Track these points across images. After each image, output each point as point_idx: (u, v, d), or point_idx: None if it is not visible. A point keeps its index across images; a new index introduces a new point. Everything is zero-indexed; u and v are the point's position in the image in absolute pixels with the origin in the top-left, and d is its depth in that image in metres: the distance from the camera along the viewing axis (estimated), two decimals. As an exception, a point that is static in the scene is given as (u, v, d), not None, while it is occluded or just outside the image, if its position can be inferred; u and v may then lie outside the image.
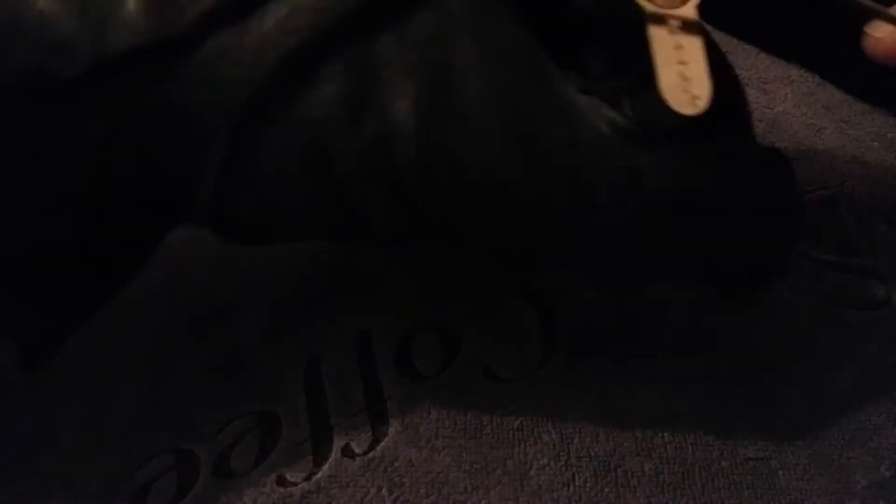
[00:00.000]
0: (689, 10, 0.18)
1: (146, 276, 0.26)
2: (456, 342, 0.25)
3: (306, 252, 0.27)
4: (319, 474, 0.22)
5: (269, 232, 0.20)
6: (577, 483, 0.22)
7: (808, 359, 0.25)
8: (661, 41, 0.17)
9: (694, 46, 0.17)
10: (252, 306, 0.26)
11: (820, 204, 0.30)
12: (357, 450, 0.23)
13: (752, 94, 0.34)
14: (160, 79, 0.16)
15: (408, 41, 0.16)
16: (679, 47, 0.17)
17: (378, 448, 0.23)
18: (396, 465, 0.22)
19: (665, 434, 0.23)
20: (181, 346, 0.25)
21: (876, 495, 0.22)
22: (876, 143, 0.33)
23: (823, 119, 0.34)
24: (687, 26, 0.18)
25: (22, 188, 0.17)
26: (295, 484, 0.22)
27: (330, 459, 0.22)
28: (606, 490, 0.22)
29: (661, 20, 0.17)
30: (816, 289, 0.27)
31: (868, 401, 0.24)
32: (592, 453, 0.23)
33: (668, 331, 0.26)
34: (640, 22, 0.17)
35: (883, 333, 0.26)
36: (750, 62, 0.36)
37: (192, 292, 0.26)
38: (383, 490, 0.22)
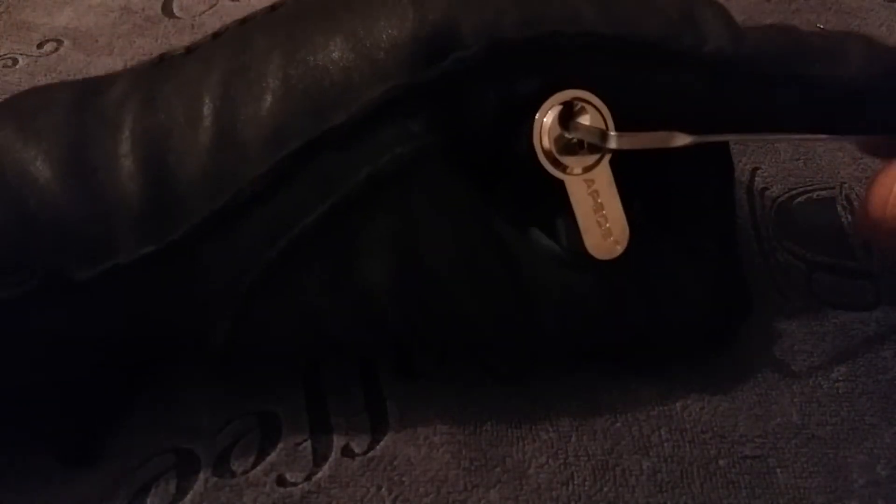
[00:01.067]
0: (603, 171, 0.20)
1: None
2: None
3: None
4: (319, 474, 0.22)
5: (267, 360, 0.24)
6: (575, 481, 0.22)
7: (799, 359, 0.25)
8: (578, 198, 0.20)
9: (610, 197, 0.20)
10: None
11: (818, 204, 0.31)
12: (357, 450, 0.23)
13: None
14: (162, 275, 0.18)
15: (377, 226, 0.19)
16: (596, 200, 0.20)
17: (378, 448, 0.23)
18: (396, 464, 0.22)
19: (663, 432, 0.23)
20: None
21: (874, 494, 0.22)
22: (874, 143, 0.33)
23: (822, 119, 0.34)
24: (601, 181, 0.20)
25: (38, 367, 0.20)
26: (295, 484, 0.22)
27: (330, 459, 0.23)
28: (605, 488, 0.22)
29: (576, 181, 0.19)
30: (810, 290, 0.27)
31: (861, 401, 0.24)
32: (591, 452, 0.23)
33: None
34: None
35: (873, 334, 0.26)
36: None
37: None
38: (383, 489, 0.22)
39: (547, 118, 0.19)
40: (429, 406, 0.24)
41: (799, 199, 0.31)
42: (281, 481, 0.22)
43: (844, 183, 0.31)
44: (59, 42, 0.38)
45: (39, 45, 0.38)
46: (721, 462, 0.23)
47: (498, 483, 0.22)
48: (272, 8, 0.20)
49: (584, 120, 0.19)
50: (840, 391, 0.24)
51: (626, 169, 0.20)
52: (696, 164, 0.22)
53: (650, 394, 0.24)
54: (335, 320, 0.20)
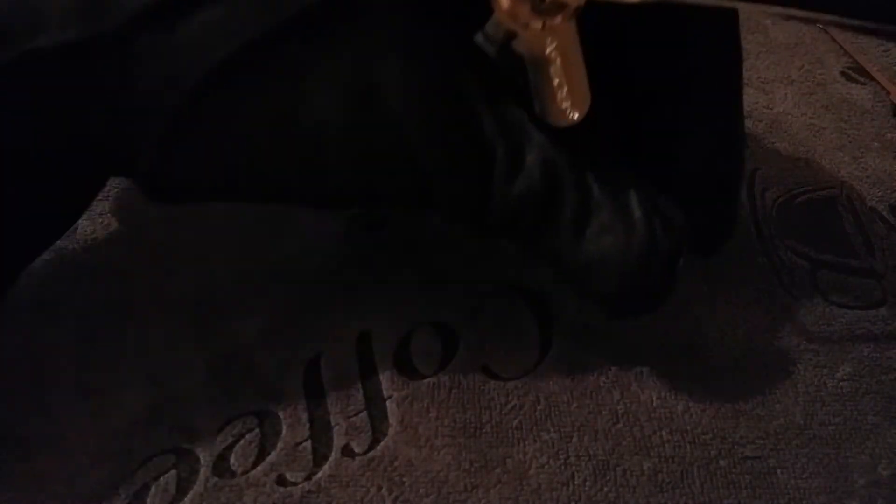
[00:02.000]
0: (566, 31, 0.18)
1: (147, 276, 0.26)
2: (454, 341, 0.25)
3: (306, 253, 0.27)
4: (319, 474, 0.22)
5: (201, 193, 0.21)
6: (576, 482, 0.22)
7: (805, 358, 0.25)
8: (535, 54, 0.18)
9: (570, 57, 0.19)
10: (252, 306, 0.26)
11: (819, 204, 0.30)
12: (357, 449, 0.23)
13: (752, 94, 0.34)
14: (91, 68, 0.17)
15: (331, 59, 0.18)
16: (554, 59, 0.18)
17: (378, 448, 0.23)
18: (396, 464, 0.22)
19: (663, 433, 0.23)
20: (181, 347, 0.25)
21: (874, 494, 0.22)
22: (876, 143, 0.33)
23: (823, 119, 0.34)
24: (563, 37, 0.18)
25: None
26: (295, 484, 0.22)
27: (330, 459, 0.23)
28: (605, 489, 0.22)
29: (535, 35, 0.18)
30: (813, 288, 0.27)
31: (865, 400, 0.24)
32: (591, 452, 0.23)
33: (666, 330, 0.26)
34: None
35: (879, 333, 0.26)
36: (750, 62, 0.36)
37: (193, 293, 0.26)
38: (383, 489, 0.22)
39: None
40: (429, 406, 0.24)
41: (800, 198, 0.31)
42: (281, 481, 0.22)
43: (845, 182, 0.31)
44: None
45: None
46: (722, 462, 0.23)
47: (498, 483, 0.22)
48: None
49: None
50: (844, 391, 0.24)
51: (607, 49, 0.19)
52: (691, 58, 0.21)
53: (651, 395, 0.24)
54: (270, 156, 0.19)
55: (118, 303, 0.23)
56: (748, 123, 0.34)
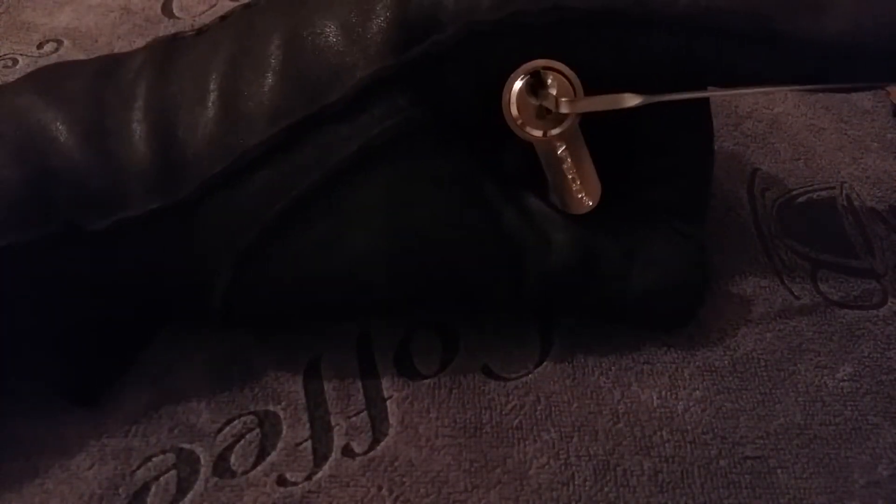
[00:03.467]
0: (572, 132, 0.21)
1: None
2: (455, 341, 0.25)
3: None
4: (319, 474, 0.22)
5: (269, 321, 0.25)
6: (576, 482, 0.22)
7: (806, 358, 0.25)
8: (550, 158, 0.22)
9: (580, 157, 0.22)
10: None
11: (819, 204, 0.30)
12: (357, 450, 0.23)
13: (751, 94, 0.34)
14: (168, 229, 0.20)
15: (367, 193, 0.21)
16: (567, 160, 0.22)
17: (378, 448, 0.23)
18: (396, 464, 0.22)
19: (664, 433, 0.23)
20: (181, 346, 0.25)
21: (874, 494, 0.22)
22: (876, 143, 0.33)
23: (823, 119, 0.34)
24: (571, 143, 0.21)
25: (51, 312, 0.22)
26: (295, 484, 0.22)
27: (330, 459, 0.23)
28: (606, 489, 0.22)
29: (547, 143, 0.21)
30: (814, 289, 0.27)
31: (865, 400, 0.24)
32: (592, 452, 0.23)
33: (666, 330, 0.26)
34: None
35: (880, 333, 0.26)
36: (749, 62, 0.36)
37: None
38: (383, 490, 0.22)
39: (516, 86, 0.21)
40: (430, 406, 0.24)
41: (800, 199, 0.31)
42: (281, 481, 0.22)
43: (845, 182, 0.31)
44: (60, 42, 0.38)
45: (39, 46, 0.38)
46: (722, 462, 0.23)
47: (499, 484, 0.22)
48: None
49: (552, 87, 0.21)
50: (845, 391, 0.24)
51: (603, 130, 0.22)
52: (670, 125, 0.23)
53: (652, 395, 0.24)
54: (327, 284, 0.22)
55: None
56: (748, 123, 0.34)
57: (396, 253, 0.22)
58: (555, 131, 0.21)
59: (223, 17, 0.22)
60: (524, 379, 0.24)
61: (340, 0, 0.21)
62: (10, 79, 0.35)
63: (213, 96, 0.20)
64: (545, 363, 0.25)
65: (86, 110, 0.20)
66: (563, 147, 0.22)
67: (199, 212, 0.20)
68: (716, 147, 0.33)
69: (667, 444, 0.23)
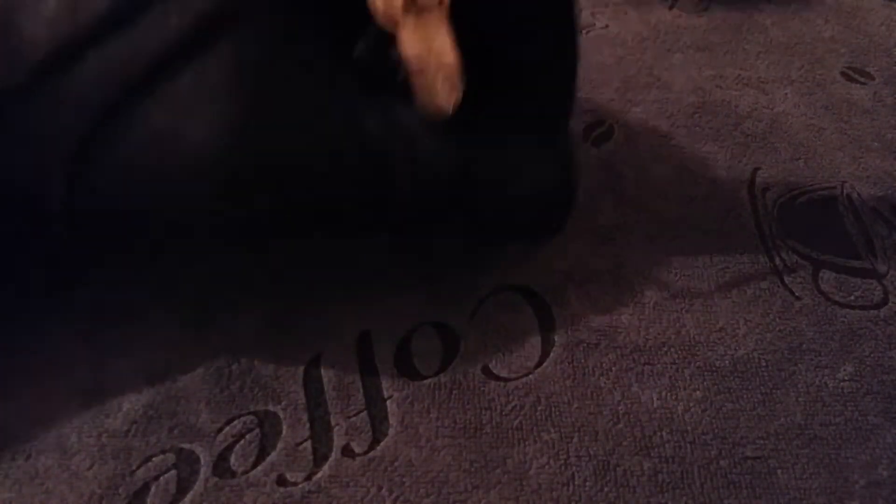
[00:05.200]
0: (437, 20, 0.20)
1: (146, 275, 0.26)
2: (455, 342, 0.25)
3: (306, 252, 0.27)
4: (319, 474, 0.22)
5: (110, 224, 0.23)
6: (576, 482, 0.22)
7: (807, 358, 0.25)
8: (412, 46, 0.20)
9: (442, 46, 0.20)
10: (252, 306, 0.26)
11: (820, 204, 0.30)
12: (357, 450, 0.23)
13: (751, 94, 0.34)
14: (4, 119, 0.19)
15: (211, 72, 0.19)
16: (432, 53, 0.20)
17: (378, 448, 0.23)
18: (396, 464, 0.22)
19: (664, 433, 0.23)
20: (181, 346, 0.25)
21: (874, 494, 0.22)
22: (876, 143, 0.33)
23: (823, 119, 0.34)
24: (433, 25, 0.20)
25: None
26: (295, 484, 0.22)
27: (330, 459, 0.22)
28: (606, 489, 0.22)
29: (410, 28, 0.20)
30: (815, 289, 0.27)
31: (866, 400, 0.24)
32: (592, 452, 0.23)
33: (667, 331, 0.26)
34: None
35: (881, 333, 0.26)
36: (750, 62, 0.36)
37: (193, 292, 0.26)
38: (383, 490, 0.22)
39: None
40: (430, 406, 0.24)
41: (801, 199, 0.31)
42: (281, 481, 0.22)
43: (845, 182, 0.31)
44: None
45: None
46: (722, 463, 0.23)
47: (499, 484, 0.22)
48: None
49: None
50: (845, 391, 0.24)
51: (466, 19, 0.21)
52: (531, 11, 0.23)
53: (652, 396, 0.24)
54: (164, 183, 0.20)
55: (118, 303, 0.23)
56: (748, 123, 0.34)
57: (241, 152, 0.20)
58: (421, 19, 0.20)
59: None
60: (524, 379, 0.24)
61: None
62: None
63: None
64: (545, 364, 0.25)
65: None
66: (427, 45, 0.20)
67: (33, 99, 0.19)
68: (716, 147, 0.33)
69: (667, 445, 0.23)
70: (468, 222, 0.23)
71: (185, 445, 0.23)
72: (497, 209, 0.23)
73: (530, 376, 0.24)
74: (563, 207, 0.25)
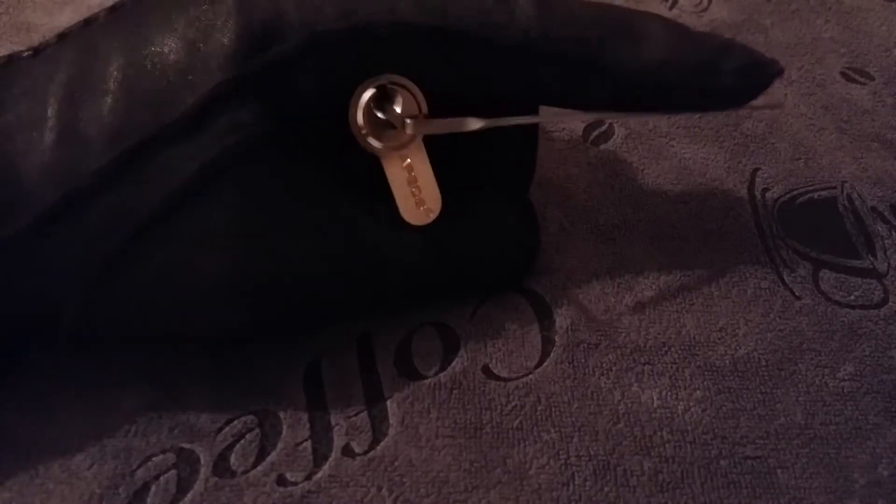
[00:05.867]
0: (416, 148, 0.22)
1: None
2: (455, 341, 0.25)
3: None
4: (319, 474, 0.22)
5: (121, 338, 0.24)
6: (576, 482, 0.22)
7: (807, 358, 0.25)
8: (394, 172, 0.22)
9: (422, 170, 0.22)
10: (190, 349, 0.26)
11: (820, 204, 0.30)
12: (357, 450, 0.23)
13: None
14: (5, 263, 0.20)
15: (212, 216, 0.20)
16: (410, 173, 0.22)
17: (378, 448, 0.23)
18: (396, 464, 0.22)
19: (664, 433, 0.23)
20: (181, 346, 0.25)
21: (874, 494, 0.22)
22: (876, 143, 0.33)
23: (823, 119, 0.34)
24: (414, 156, 0.22)
25: None
26: (295, 484, 0.22)
27: (330, 459, 0.23)
28: (606, 489, 0.22)
29: (391, 157, 0.22)
30: (815, 288, 0.27)
31: (866, 399, 0.24)
32: (592, 452, 0.23)
33: (667, 331, 0.26)
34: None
35: (881, 332, 0.26)
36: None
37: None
38: (383, 490, 0.22)
39: (362, 100, 0.21)
40: (430, 406, 0.24)
41: (801, 198, 0.31)
42: (281, 481, 0.22)
43: (845, 182, 0.31)
44: (60, 42, 0.38)
45: (40, 46, 0.38)
46: (722, 462, 0.23)
47: (499, 484, 0.22)
48: (113, 9, 0.22)
49: (399, 103, 0.21)
50: (846, 390, 0.24)
51: (442, 140, 0.22)
52: (502, 136, 0.23)
53: (652, 395, 0.24)
54: (177, 308, 0.21)
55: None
56: (748, 123, 0.34)
57: (250, 277, 0.21)
58: (399, 146, 0.22)
59: (61, 36, 0.21)
60: (524, 379, 0.24)
61: (181, 16, 0.20)
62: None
63: (50, 122, 0.19)
64: (545, 363, 0.25)
65: None
66: (407, 161, 0.22)
67: (38, 243, 0.19)
68: (716, 147, 0.33)
69: (667, 445, 0.23)
70: (445, 292, 0.25)
71: (186, 445, 0.23)
72: (470, 276, 0.25)
73: (530, 376, 0.24)
74: (528, 261, 0.26)
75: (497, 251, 0.25)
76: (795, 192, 0.31)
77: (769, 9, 0.40)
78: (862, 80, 0.36)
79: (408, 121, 0.21)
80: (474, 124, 0.21)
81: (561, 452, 0.23)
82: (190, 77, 0.19)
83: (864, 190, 0.31)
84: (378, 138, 0.22)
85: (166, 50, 0.20)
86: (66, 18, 0.39)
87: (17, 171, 0.19)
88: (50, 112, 0.19)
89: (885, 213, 0.30)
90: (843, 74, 0.36)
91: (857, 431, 0.23)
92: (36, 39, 0.38)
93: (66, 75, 0.20)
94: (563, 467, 0.22)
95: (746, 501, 0.22)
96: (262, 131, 0.20)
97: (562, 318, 0.26)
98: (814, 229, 0.29)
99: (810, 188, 0.31)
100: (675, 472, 0.22)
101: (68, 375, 0.24)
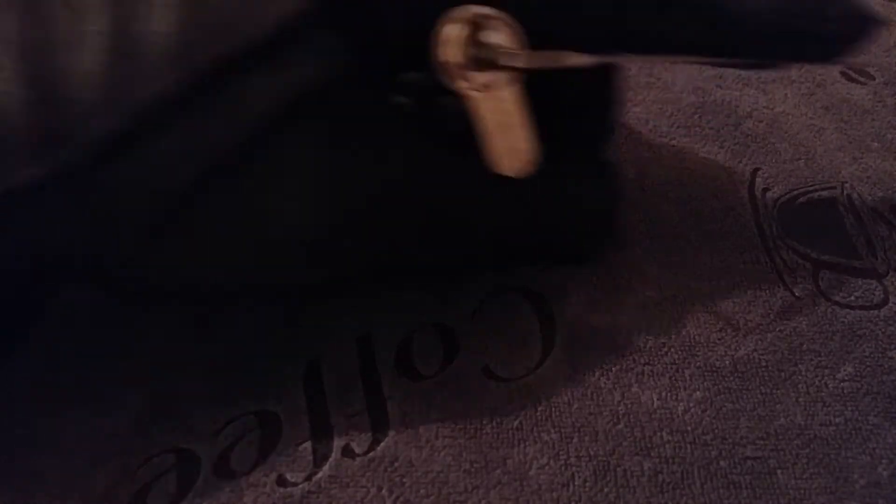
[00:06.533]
0: (512, 90, 0.19)
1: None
2: (455, 342, 0.25)
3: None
4: (319, 474, 0.22)
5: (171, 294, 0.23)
6: (576, 483, 0.22)
7: (807, 358, 0.25)
8: (487, 115, 0.19)
9: (518, 114, 0.19)
10: (252, 306, 0.26)
11: (820, 204, 0.30)
12: (357, 450, 0.23)
13: (751, 94, 0.34)
14: (55, 202, 0.17)
15: (293, 152, 0.18)
16: (504, 117, 0.19)
17: (378, 448, 0.23)
18: (396, 465, 0.22)
19: (664, 434, 0.23)
20: (181, 346, 0.25)
21: (874, 495, 0.22)
22: (876, 143, 0.33)
23: (823, 119, 0.34)
24: (509, 98, 0.19)
25: None
26: (295, 484, 0.22)
27: (330, 459, 0.22)
28: (606, 490, 0.22)
29: (484, 98, 0.19)
30: (815, 289, 0.27)
31: (866, 400, 0.24)
32: (592, 453, 0.23)
33: (667, 331, 0.26)
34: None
35: (881, 333, 0.26)
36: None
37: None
38: (383, 490, 0.22)
39: (451, 31, 0.18)
40: (430, 407, 0.24)
41: (801, 199, 0.31)
42: (281, 481, 0.22)
43: (845, 182, 0.31)
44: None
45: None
46: (722, 463, 0.23)
47: (499, 484, 0.22)
48: None
49: (494, 38, 0.18)
50: (845, 391, 0.24)
51: (537, 90, 0.20)
52: (586, 89, 0.23)
53: (652, 396, 0.24)
54: (249, 257, 0.20)
55: (118, 303, 0.23)
56: (748, 123, 0.34)
57: (327, 220, 0.19)
58: (492, 86, 0.19)
59: None
60: (524, 380, 0.24)
61: None
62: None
63: (97, 37, 0.16)
64: (545, 364, 0.25)
65: None
66: (501, 103, 0.19)
67: (90, 181, 0.17)
68: (716, 147, 0.33)
69: (667, 445, 0.23)
70: (529, 254, 0.24)
71: (186, 445, 0.23)
72: (557, 241, 0.24)
73: (530, 376, 0.24)
74: (613, 227, 0.25)
75: (579, 207, 0.24)
76: (795, 193, 0.31)
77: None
78: (862, 80, 0.36)
79: (514, 51, 0.18)
80: (578, 59, 0.18)
81: (561, 453, 0.23)
82: None
83: (864, 190, 0.31)
84: (467, 78, 0.19)
85: None
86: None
87: (62, 93, 0.17)
88: (94, 24, 0.17)
89: (886, 214, 0.30)
90: (843, 74, 0.36)
91: (857, 432, 0.23)
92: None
93: None
94: (563, 468, 0.22)
95: (746, 502, 0.22)
96: (346, 64, 0.18)
97: (561, 319, 0.26)
98: (814, 229, 0.29)
99: (810, 188, 0.31)
100: (675, 473, 0.22)
101: (68, 375, 0.24)
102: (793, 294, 0.27)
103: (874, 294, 0.27)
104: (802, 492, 0.22)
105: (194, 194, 0.18)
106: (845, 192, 0.31)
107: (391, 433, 0.23)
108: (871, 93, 0.35)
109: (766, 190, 0.31)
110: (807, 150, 0.33)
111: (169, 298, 0.22)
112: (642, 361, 0.25)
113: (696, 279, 0.27)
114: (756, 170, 0.32)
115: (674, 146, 0.32)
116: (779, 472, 0.22)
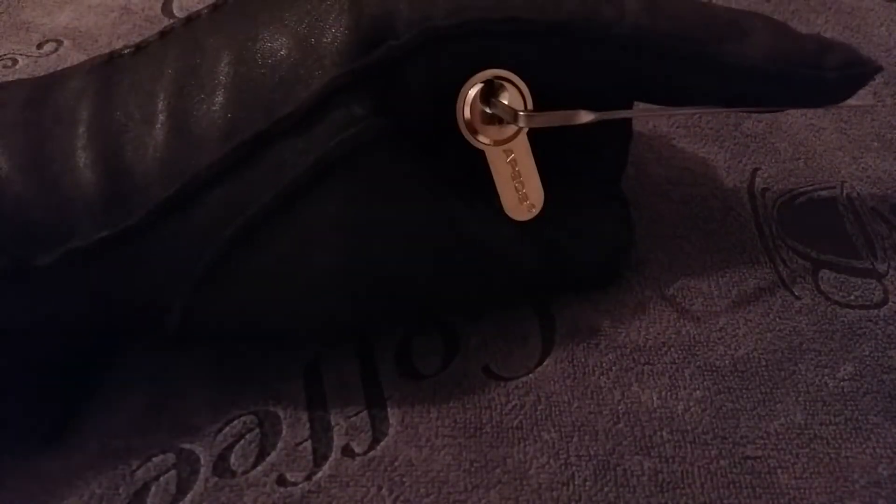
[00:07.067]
0: (520, 142, 0.22)
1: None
2: (455, 341, 0.25)
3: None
4: (319, 474, 0.22)
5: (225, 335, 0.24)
6: (576, 482, 0.22)
7: (807, 358, 0.25)
8: (499, 167, 0.22)
9: (527, 164, 0.22)
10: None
11: (820, 204, 0.30)
12: (357, 450, 0.23)
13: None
14: (118, 258, 0.19)
15: (326, 211, 0.20)
16: (514, 168, 0.22)
17: (378, 448, 0.23)
18: (396, 464, 0.22)
19: (664, 433, 0.23)
20: (181, 346, 0.25)
21: (875, 494, 0.22)
22: (876, 143, 0.33)
23: (823, 119, 0.34)
24: (519, 151, 0.22)
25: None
26: (295, 484, 0.22)
27: (330, 459, 0.23)
28: (606, 489, 0.22)
29: (497, 152, 0.22)
30: (815, 288, 0.27)
31: (866, 400, 0.24)
32: (592, 452, 0.23)
33: (667, 331, 0.26)
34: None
35: (881, 333, 0.26)
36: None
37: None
38: (383, 490, 0.22)
39: (470, 94, 0.21)
40: (430, 406, 0.24)
41: (800, 199, 0.31)
42: (281, 481, 0.22)
43: (845, 182, 0.31)
44: (59, 42, 0.38)
45: (39, 46, 0.38)
46: (722, 462, 0.23)
47: (499, 484, 0.22)
48: (215, 7, 0.22)
49: (505, 97, 0.21)
50: (845, 390, 0.24)
51: (545, 134, 0.22)
52: (601, 131, 0.23)
53: (652, 395, 0.24)
54: (284, 305, 0.22)
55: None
56: (748, 123, 0.34)
57: (358, 272, 0.21)
58: (504, 141, 0.22)
59: (163, 34, 0.21)
60: (524, 379, 0.24)
61: (291, 13, 0.20)
62: (11, 79, 0.35)
63: (161, 118, 0.19)
64: (545, 363, 0.25)
65: (24, 139, 0.19)
66: (512, 156, 0.22)
67: (150, 238, 0.19)
68: (716, 147, 0.33)
69: (667, 445, 0.23)
70: (541, 287, 0.25)
71: (185, 445, 0.23)
72: (569, 273, 0.25)
73: (530, 376, 0.24)
74: (624, 256, 0.26)
75: (595, 245, 0.25)
76: (795, 192, 0.31)
77: (769, 9, 0.40)
78: (862, 80, 0.36)
79: (521, 113, 0.21)
80: (585, 117, 0.20)
81: (561, 452, 0.23)
82: (302, 71, 0.20)
83: (864, 190, 0.31)
84: (484, 133, 0.21)
85: (276, 45, 0.20)
86: (65, 18, 0.39)
87: (129, 167, 0.19)
88: (160, 107, 0.19)
89: (885, 213, 0.30)
90: (842, 74, 0.36)
91: (858, 432, 0.23)
92: (35, 39, 0.38)
93: (173, 71, 0.20)
94: (562, 467, 0.22)
95: (746, 501, 0.22)
96: (374, 126, 0.20)
97: (562, 318, 0.26)
98: (814, 229, 0.29)
99: (810, 188, 0.31)
100: (675, 472, 0.22)
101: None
102: (793, 293, 0.27)
103: (874, 294, 0.27)
104: (802, 491, 0.22)
105: (236, 249, 0.20)
106: (845, 192, 0.31)
107: (391, 433, 0.23)
108: (871, 93, 0.35)
109: (765, 190, 0.31)
110: (806, 149, 0.33)
111: (221, 339, 0.24)
112: (642, 361, 0.25)
113: (696, 279, 0.27)
114: (756, 169, 0.32)
115: (674, 146, 0.32)
116: (779, 471, 0.22)
